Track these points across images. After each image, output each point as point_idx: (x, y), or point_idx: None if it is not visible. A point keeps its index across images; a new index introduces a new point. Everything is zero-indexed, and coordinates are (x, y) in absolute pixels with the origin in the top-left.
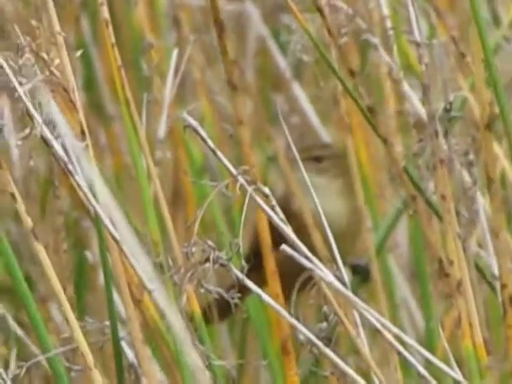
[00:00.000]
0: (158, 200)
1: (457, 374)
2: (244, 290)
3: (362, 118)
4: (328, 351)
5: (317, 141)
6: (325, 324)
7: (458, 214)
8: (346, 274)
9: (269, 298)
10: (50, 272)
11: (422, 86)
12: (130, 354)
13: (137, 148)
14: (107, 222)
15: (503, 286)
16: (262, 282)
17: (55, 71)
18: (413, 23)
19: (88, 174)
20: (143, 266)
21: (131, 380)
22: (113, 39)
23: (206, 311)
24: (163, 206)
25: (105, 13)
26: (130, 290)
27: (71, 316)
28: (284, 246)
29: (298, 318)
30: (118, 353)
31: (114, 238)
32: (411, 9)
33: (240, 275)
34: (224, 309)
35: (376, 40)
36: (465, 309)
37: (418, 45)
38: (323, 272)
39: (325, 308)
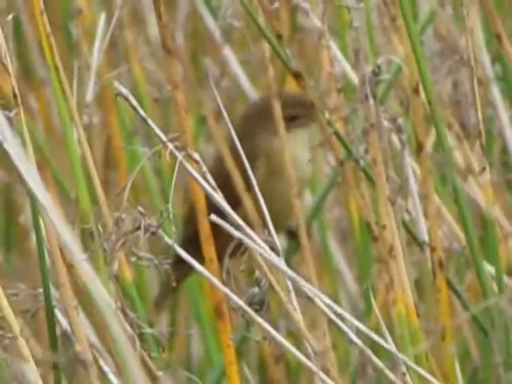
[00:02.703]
0: (88, 165)
1: (387, 342)
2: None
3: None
4: (259, 318)
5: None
6: (257, 289)
7: (387, 178)
8: (279, 240)
9: (201, 265)
10: None
11: (352, 50)
12: (63, 321)
13: (66, 113)
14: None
15: (433, 250)
16: (199, 248)
17: None
18: None
19: (10, 142)
20: (68, 236)
21: (64, 347)
22: (42, 6)
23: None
24: (93, 171)
25: None
26: (63, 254)
27: None
28: (213, 216)
29: (230, 283)
30: (51, 320)
31: (41, 205)
32: None
33: (171, 242)
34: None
35: (306, 5)
36: (396, 273)
37: (348, 9)
38: (253, 240)
39: (257, 273)
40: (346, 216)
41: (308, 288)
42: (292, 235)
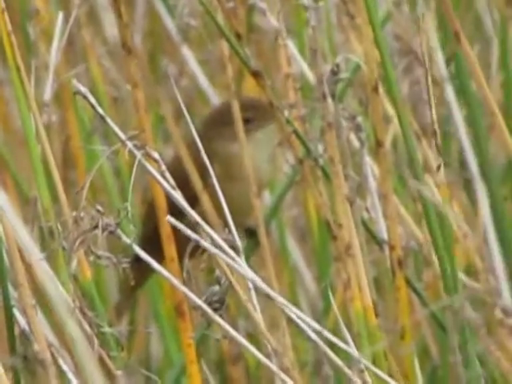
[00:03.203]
0: (47, 164)
1: (346, 341)
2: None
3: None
4: (218, 318)
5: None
6: (217, 287)
7: (346, 177)
8: (239, 239)
9: (160, 264)
10: None
11: (309, 49)
12: (21, 320)
13: (27, 113)
14: None
15: (392, 248)
16: (158, 247)
17: None
18: None
19: None
20: (25, 235)
21: (23, 346)
22: (3, 4)
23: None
24: (54, 169)
25: None
26: (21, 254)
27: None
28: (169, 217)
29: (190, 282)
30: (10, 320)
31: None
32: None
33: (129, 241)
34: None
35: (263, 5)
36: (354, 271)
37: (305, 8)
38: (213, 239)
39: (217, 272)
40: (304, 215)
41: (267, 290)
42: (250, 234)
